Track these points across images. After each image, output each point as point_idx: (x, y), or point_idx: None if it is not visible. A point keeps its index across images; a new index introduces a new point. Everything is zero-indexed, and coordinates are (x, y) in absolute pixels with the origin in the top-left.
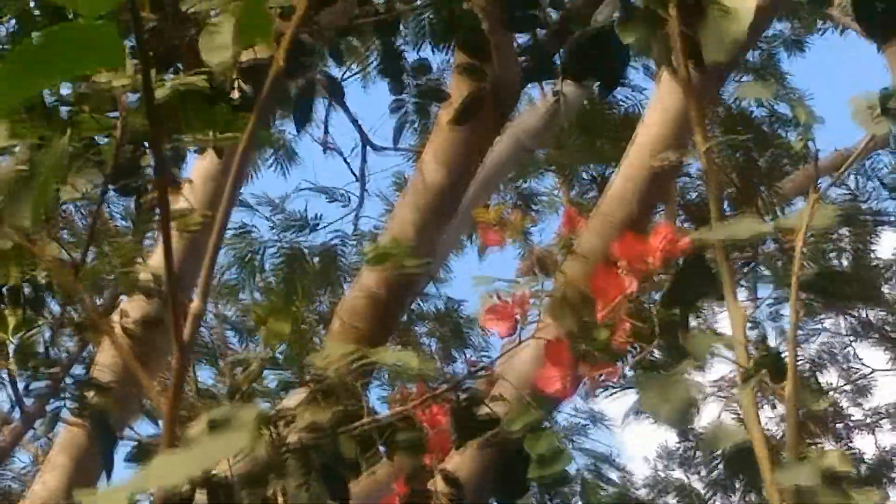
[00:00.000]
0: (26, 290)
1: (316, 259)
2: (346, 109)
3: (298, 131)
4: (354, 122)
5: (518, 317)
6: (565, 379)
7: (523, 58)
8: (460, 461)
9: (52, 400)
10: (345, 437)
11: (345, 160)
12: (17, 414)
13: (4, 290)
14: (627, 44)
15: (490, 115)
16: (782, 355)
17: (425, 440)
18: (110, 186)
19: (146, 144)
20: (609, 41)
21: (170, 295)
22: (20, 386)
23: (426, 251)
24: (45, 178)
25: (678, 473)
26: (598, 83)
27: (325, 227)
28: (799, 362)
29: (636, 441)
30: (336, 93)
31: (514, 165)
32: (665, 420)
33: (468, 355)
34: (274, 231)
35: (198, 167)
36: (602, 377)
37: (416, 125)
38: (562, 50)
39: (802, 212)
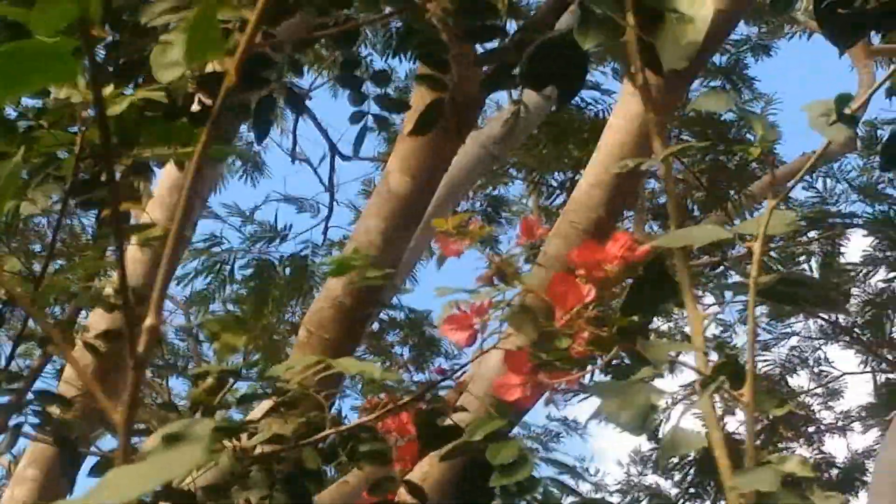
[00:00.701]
0: None
1: (286, 269)
2: (314, 119)
3: (258, 142)
4: (322, 131)
5: (477, 326)
6: (525, 387)
7: (484, 67)
8: (428, 471)
9: (14, 414)
10: (308, 448)
11: (314, 170)
12: None
13: None
14: (586, 50)
15: (453, 124)
16: (741, 361)
17: (389, 450)
18: (71, 200)
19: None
20: (567, 48)
21: (124, 308)
22: None
23: (392, 260)
24: (0, 191)
25: (651, 478)
26: (558, 91)
27: (294, 236)
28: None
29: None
30: (296, 105)
31: (481, 172)
32: (625, 426)
33: (440, 363)
34: (244, 242)
35: (165, 179)
36: (562, 385)
37: (384, 134)
38: (521, 58)
39: (760, 218)
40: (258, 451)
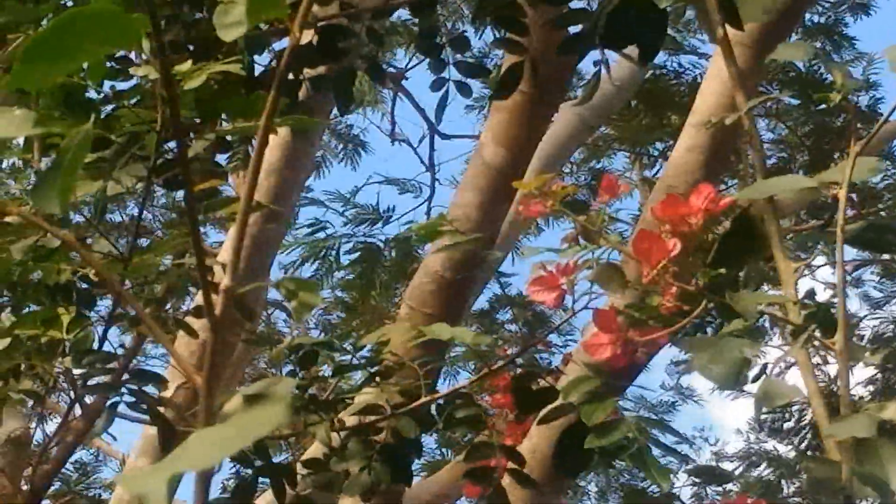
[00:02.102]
0: (78, 286)
1: (391, 252)
2: (412, 98)
3: (341, 114)
4: (420, 110)
5: (564, 287)
6: (616, 346)
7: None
8: (536, 443)
9: (110, 395)
10: (404, 417)
11: (414, 150)
12: (77, 411)
13: (56, 288)
14: (665, 8)
15: (540, 91)
16: (831, 310)
17: (484, 416)
18: (154, 180)
19: (192, 135)
20: (646, 6)
21: (200, 276)
22: (78, 383)
23: (489, 232)
24: (70, 162)
25: (771, 444)
26: (639, 50)
27: (397, 218)
28: (881, 324)
29: (729, 414)
30: (379, 77)
31: (577, 143)
32: (717, 380)
33: (551, 339)
34: (347, 225)
35: (272, 149)
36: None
37: (484, 111)
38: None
39: (844, 165)
40: (355, 422)
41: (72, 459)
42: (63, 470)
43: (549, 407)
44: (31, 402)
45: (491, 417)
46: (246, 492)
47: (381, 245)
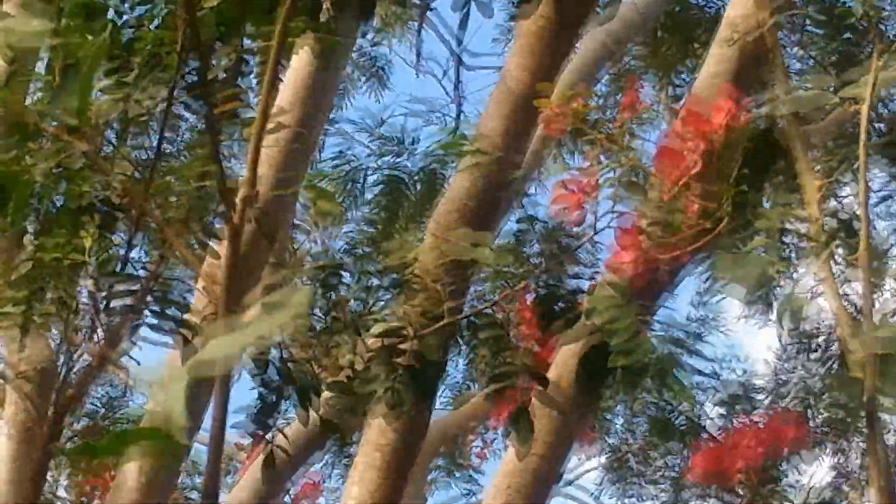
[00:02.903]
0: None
1: (416, 184)
2: (437, 30)
3: (362, 34)
4: (445, 41)
5: (586, 203)
6: (638, 264)
7: None
8: (561, 372)
9: (134, 317)
10: (427, 338)
11: (438, 81)
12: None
13: (79, 211)
14: None
15: (562, 16)
16: (853, 224)
17: (506, 336)
18: (175, 101)
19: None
20: None
21: (219, 188)
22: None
23: (514, 158)
24: (88, 69)
25: (798, 374)
26: None
27: (422, 150)
28: None
29: (756, 343)
30: (401, 1)
31: (600, 70)
32: (741, 292)
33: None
34: (372, 157)
35: (288, 84)
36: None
37: (510, 43)
38: None
39: (866, 79)
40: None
41: (98, 394)
42: (90, 405)
43: (573, 327)
44: (56, 333)
45: (514, 338)
46: (268, 414)
47: (406, 178)
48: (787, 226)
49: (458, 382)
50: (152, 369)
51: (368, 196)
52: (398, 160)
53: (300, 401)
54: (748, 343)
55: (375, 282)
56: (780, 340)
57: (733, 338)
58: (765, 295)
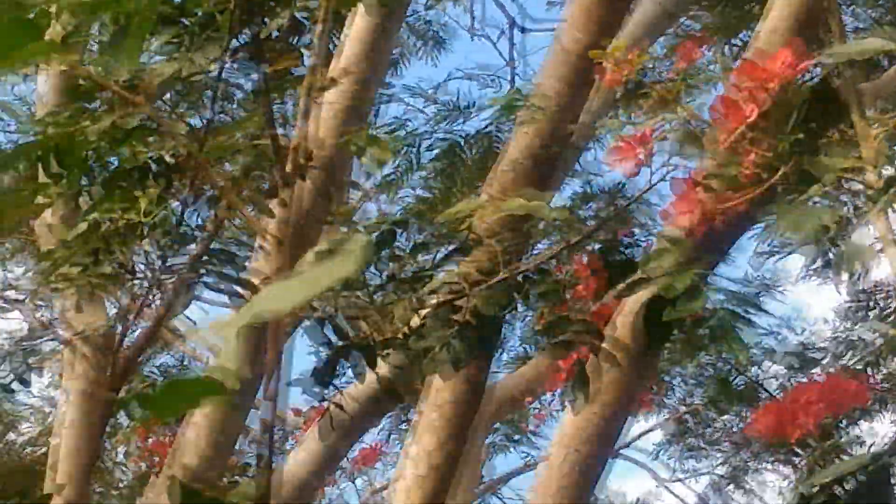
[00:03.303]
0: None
1: (473, 149)
2: None
3: None
4: (500, 5)
5: (641, 155)
6: (694, 214)
7: None
8: (620, 331)
9: (191, 275)
10: (483, 294)
11: (493, 45)
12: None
13: (134, 171)
14: None
15: None
16: None
17: (562, 290)
18: (229, 61)
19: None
20: None
21: (273, 144)
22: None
23: (569, 117)
24: (138, 23)
25: (857, 331)
26: None
27: (479, 113)
28: None
29: (817, 302)
30: None
31: (658, 31)
32: (802, 239)
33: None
34: (428, 123)
35: (342, 44)
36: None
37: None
38: None
39: None
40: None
41: (156, 363)
42: (148, 374)
43: (629, 280)
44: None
45: (571, 297)
46: (325, 373)
47: (463, 142)
48: (846, 175)
49: (515, 347)
50: (208, 322)
51: (425, 162)
52: (455, 125)
53: (358, 358)
54: (809, 305)
55: (432, 239)
56: (841, 293)
57: (793, 300)
58: (824, 253)
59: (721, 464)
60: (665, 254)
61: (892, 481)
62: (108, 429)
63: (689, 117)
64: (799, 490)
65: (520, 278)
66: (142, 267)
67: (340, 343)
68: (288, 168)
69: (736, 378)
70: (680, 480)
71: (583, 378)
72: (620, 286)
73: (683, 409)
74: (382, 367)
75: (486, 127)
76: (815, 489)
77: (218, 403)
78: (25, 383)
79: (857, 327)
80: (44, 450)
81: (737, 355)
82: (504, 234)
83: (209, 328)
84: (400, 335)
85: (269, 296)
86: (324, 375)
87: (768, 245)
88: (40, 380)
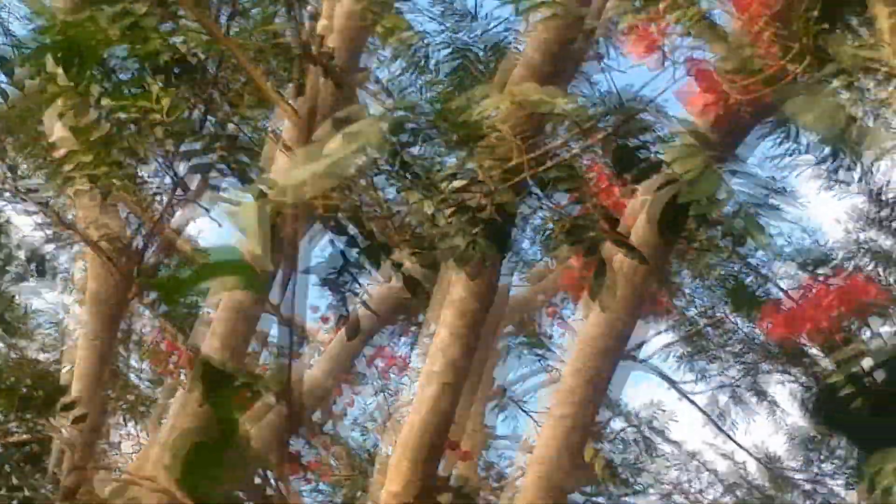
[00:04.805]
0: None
1: (488, 60)
2: None
3: None
4: None
5: (661, 45)
6: (717, 105)
7: None
8: (643, 236)
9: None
10: (506, 191)
11: None
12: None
13: (154, 69)
14: None
15: None
16: None
17: (584, 182)
18: None
19: None
20: None
21: (293, 35)
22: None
23: (582, 13)
24: None
25: (867, 234)
26: None
27: (493, 22)
28: None
29: (828, 209)
30: None
31: None
32: (812, 125)
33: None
34: (444, 33)
35: None
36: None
37: None
38: None
39: None
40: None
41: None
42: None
43: (653, 180)
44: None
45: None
46: (346, 270)
47: (477, 51)
48: (868, 63)
49: (525, 251)
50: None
51: (439, 77)
52: (470, 35)
53: (378, 254)
54: (824, 214)
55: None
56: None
57: (810, 209)
58: (835, 154)
59: (734, 368)
60: (684, 148)
61: None
62: (120, 334)
63: (714, 5)
64: (826, 382)
65: (541, 173)
66: (159, 162)
67: (360, 238)
68: (309, 59)
69: (752, 282)
70: (692, 384)
71: (604, 271)
72: (640, 182)
73: (701, 318)
74: (405, 264)
75: (499, 30)
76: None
77: (244, 290)
78: (43, 273)
79: (870, 230)
80: (57, 356)
81: (759, 244)
82: (522, 129)
83: (227, 213)
84: (423, 232)
85: (288, 167)
86: (345, 272)
87: (784, 150)
88: (54, 288)
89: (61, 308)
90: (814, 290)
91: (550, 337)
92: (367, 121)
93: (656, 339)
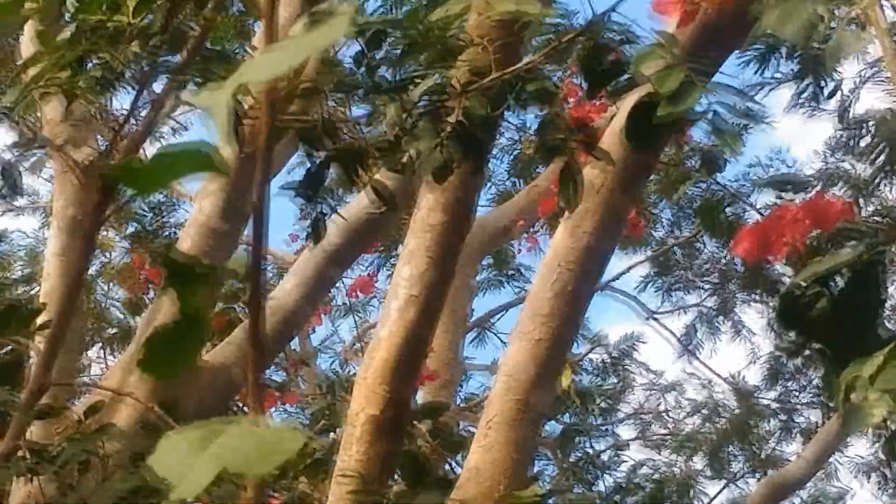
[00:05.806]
0: None
1: None
2: None
3: None
4: None
5: None
6: (692, 14)
7: None
8: (622, 168)
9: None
10: (474, 95)
11: None
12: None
13: None
14: None
15: None
16: None
17: (557, 89)
18: None
19: None
20: None
21: None
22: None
23: None
24: None
25: (846, 164)
26: None
27: None
28: None
29: (804, 135)
30: None
31: None
32: (789, 36)
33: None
34: None
35: None
36: None
37: None
38: None
39: None
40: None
41: (146, 201)
42: (139, 211)
43: (620, 78)
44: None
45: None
46: (315, 180)
47: None
48: None
49: (502, 180)
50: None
51: None
52: None
53: (344, 168)
54: (798, 139)
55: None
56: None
57: (780, 130)
58: (814, 79)
59: (709, 296)
60: (657, 51)
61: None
62: (99, 266)
63: None
64: (788, 287)
65: (512, 80)
66: (131, 72)
67: (329, 147)
68: None
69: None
70: (667, 314)
71: (573, 173)
72: (612, 92)
73: (671, 240)
74: (375, 175)
75: None
76: (805, 286)
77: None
78: (16, 190)
79: (845, 159)
80: (37, 289)
81: (730, 147)
82: (493, 34)
83: (197, 100)
84: (392, 138)
85: (256, 63)
86: (314, 182)
87: (759, 76)
88: (33, 221)
89: (42, 243)
90: (782, 208)
91: (528, 266)
92: (336, 10)
93: (634, 270)
